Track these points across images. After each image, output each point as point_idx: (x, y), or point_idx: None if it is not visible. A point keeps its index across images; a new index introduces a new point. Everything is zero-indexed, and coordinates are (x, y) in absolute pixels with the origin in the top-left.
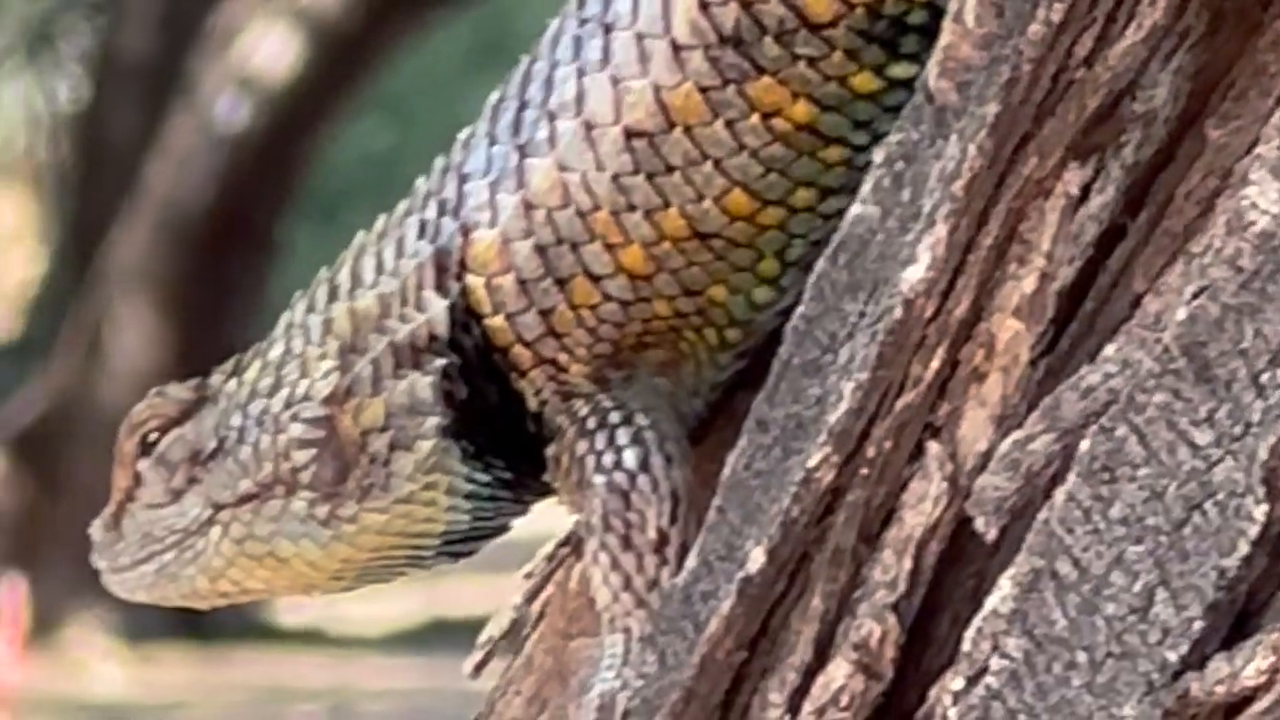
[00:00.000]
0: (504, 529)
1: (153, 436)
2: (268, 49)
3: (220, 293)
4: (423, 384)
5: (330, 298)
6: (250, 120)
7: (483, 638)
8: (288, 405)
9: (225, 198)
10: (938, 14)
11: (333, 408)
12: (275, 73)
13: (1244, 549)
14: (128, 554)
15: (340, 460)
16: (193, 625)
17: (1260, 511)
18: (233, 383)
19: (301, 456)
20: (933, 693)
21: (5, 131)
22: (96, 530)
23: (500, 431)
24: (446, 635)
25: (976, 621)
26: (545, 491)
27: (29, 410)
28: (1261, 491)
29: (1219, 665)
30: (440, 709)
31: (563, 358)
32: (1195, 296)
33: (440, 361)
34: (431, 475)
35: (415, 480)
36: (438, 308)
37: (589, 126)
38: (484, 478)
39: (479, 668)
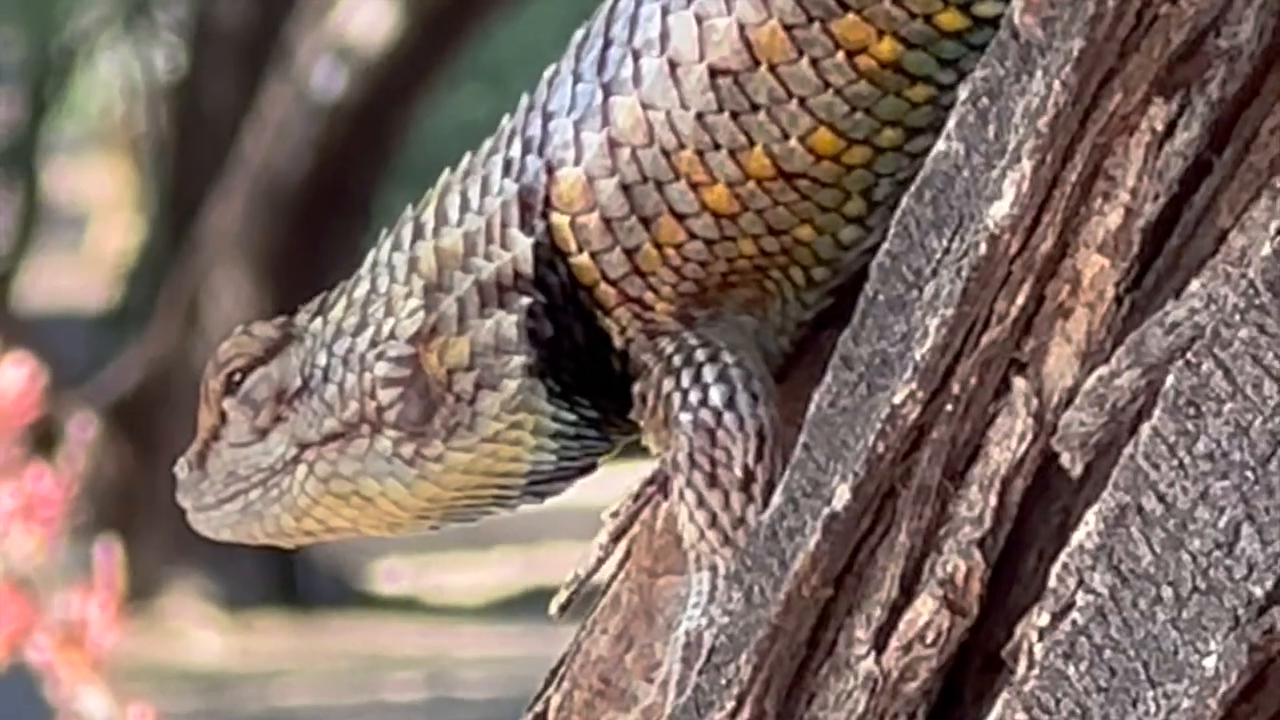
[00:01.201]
0: (591, 468)
1: (238, 375)
2: (364, 17)
3: (316, 261)
4: (508, 322)
5: (416, 236)
6: (347, 89)
7: (569, 577)
8: (373, 344)
9: (321, 167)
10: None
11: (418, 346)
12: (372, 41)
13: None
14: (213, 493)
15: (426, 399)
16: (290, 593)
17: None
18: (318, 321)
19: (387, 395)
20: (1019, 629)
21: (103, 101)
22: (181, 469)
23: (586, 370)
24: (543, 603)
25: (1062, 557)
26: (631, 430)
27: (126, 378)
28: None
29: None
30: (537, 677)
31: (648, 296)
32: None
33: (525, 300)
34: (517, 414)
35: (501, 419)
36: (523, 245)
37: (673, 64)
38: (570, 416)
39: (564, 608)
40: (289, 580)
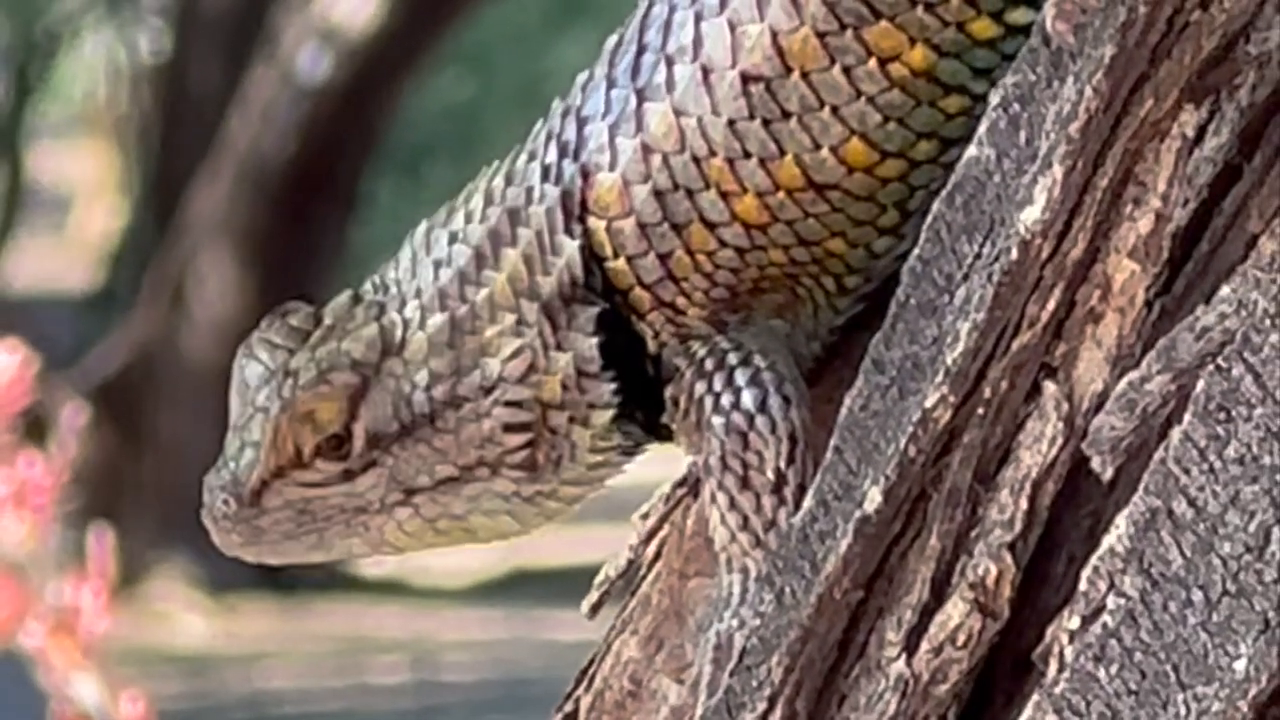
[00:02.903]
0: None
1: (335, 441)
2: (349, 1)
3: (302, 244)
4: (586, 345)
5: (478, 265)
6: (331, 72)
7: (599, 578)
8: (484, 389)
9: (307, 150)
10: None
11: (526, 387)
12: (357, 25)
13: None
14: (277, 530)
15: (532, 437)
16: (275, 576)
17: None
18: (395, 362)
19: (512, 440)
20: (1049, 631)
21: (87, 84)
22: (227, 504)
23: (624, 376)
24: (527, 586)
25: (1093, 560)
26: (665, 435)
27: (111, 362)
28: None
29: None
30: (521, 659)
31: (680, 301)
32: None
33: (593, 309)
34: (608, 439)
35: (596, 449)
36: (571, 249)
37: (706, 71)
38: (635, 430)
39: (595, 609)
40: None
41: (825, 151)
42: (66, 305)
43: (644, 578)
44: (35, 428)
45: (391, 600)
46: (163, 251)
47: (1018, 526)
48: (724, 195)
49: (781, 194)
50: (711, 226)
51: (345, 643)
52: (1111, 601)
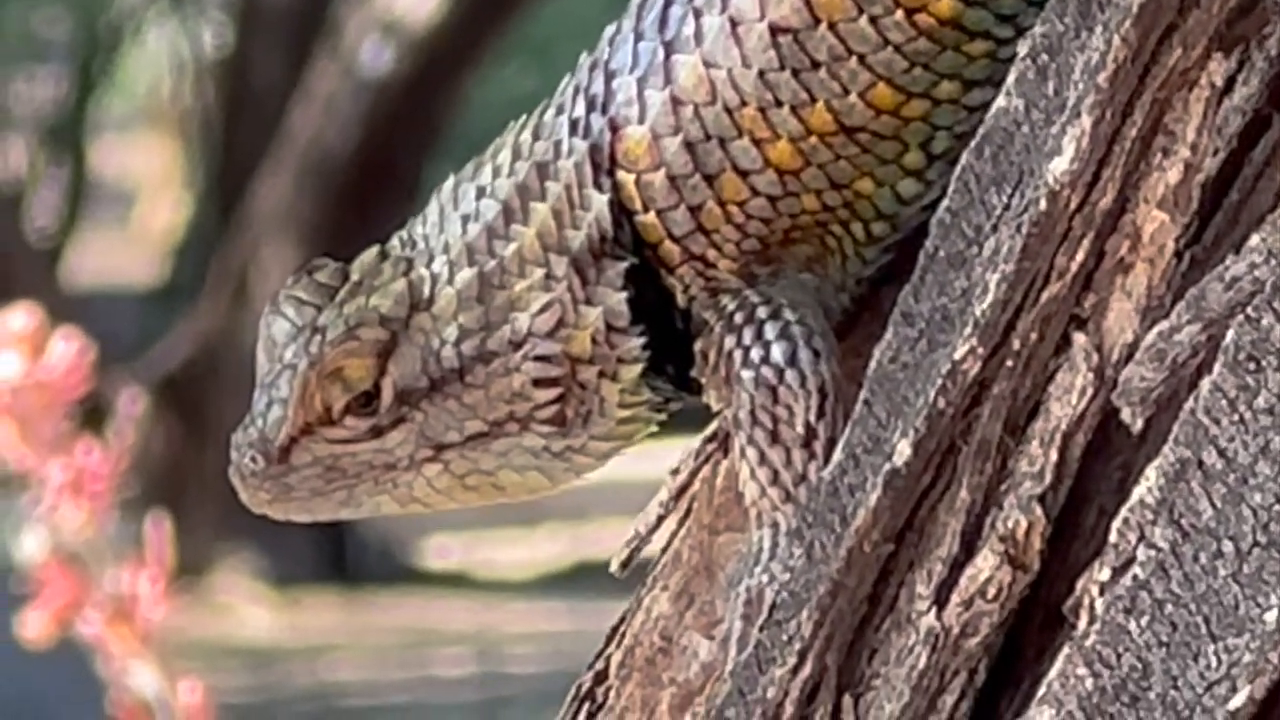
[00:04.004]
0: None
1: (365, 399)
2: None
3: (364, 236)
4: (615, 299)
5: (507, 220)
6: (394, 65)
7: (629, 535)
8: (514, 344)
9: (369, 142)
10: None
11: (556, 342)
12: (419, 17)
13: None
14: (306, 486)
15: (562, 392)
16: (340, 568)
17: None
18: (424, 318)
19: (542, 395)
20: (1080, 584)
21: (150, 78)
22: (255, 461)
23: (655, 331)
24: (592, 578)
25: (1123, 512)
26: (694, 390)
27: (175, 354)
28: None
29: None
30: (585, 651)
31: (711, 254)
32: None
33: (622, 265)
34: (639, 393)
35: (625, 402)
36: (600, 204)
37: (734, 23)
38: (666, 386)
39: (625, 565)
40: (339, 556)
41: (854, 97)
42: (130, 300)
43: (675, 534)
44: (94, 420)
45: (456, 593)
46: (226, 245)
47: (1048, 478)
48: (757, 143)
49: (813, 138)
50: (744, 175)
51: (410, 635)
52: (1142, 553)
